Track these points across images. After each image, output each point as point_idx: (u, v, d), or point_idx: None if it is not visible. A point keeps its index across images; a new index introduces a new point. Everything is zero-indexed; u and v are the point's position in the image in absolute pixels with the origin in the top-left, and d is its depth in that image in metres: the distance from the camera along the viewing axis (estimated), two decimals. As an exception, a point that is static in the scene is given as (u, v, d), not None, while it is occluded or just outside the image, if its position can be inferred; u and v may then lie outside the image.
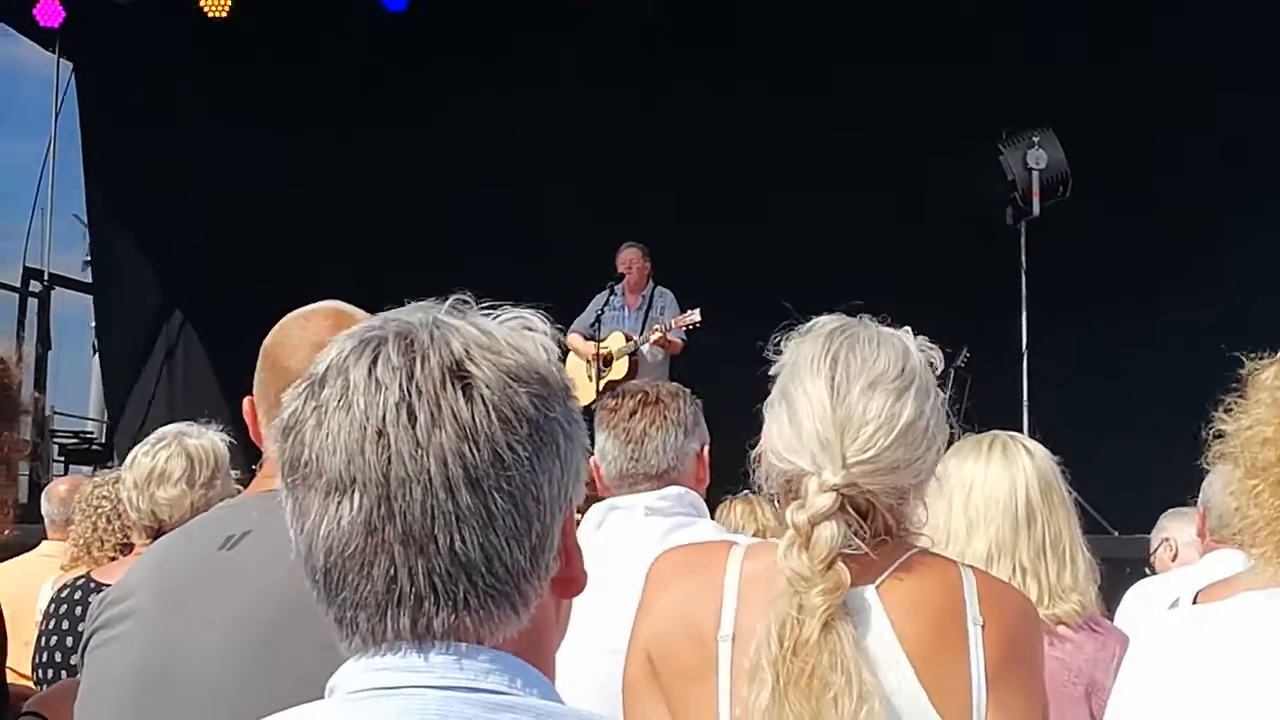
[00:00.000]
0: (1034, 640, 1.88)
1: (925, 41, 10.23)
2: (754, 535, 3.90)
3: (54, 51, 11.09)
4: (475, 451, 1.05)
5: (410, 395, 1.05)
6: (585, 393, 8.26)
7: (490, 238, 10.51)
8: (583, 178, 10.57)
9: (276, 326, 2.01)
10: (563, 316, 6.62)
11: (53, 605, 3.56)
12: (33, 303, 10.82)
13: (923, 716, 1.75)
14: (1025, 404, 8.87)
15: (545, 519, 1.09)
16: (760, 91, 10.58)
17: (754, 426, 1.93)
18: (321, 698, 1.09)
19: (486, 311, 1.14)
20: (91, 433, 12.03)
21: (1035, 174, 9.19)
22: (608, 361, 8.99)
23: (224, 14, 10.66)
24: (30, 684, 3.43)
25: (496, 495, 1.06)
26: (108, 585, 2.26)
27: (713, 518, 3.67)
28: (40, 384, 10.01)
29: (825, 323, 1.91)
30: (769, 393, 1.90)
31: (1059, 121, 9.36)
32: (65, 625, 3.47)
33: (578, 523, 1.41)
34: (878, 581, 1.79)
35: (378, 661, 1.07)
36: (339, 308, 2.00)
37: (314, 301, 2.04)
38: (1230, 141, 9.67)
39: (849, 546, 1.75)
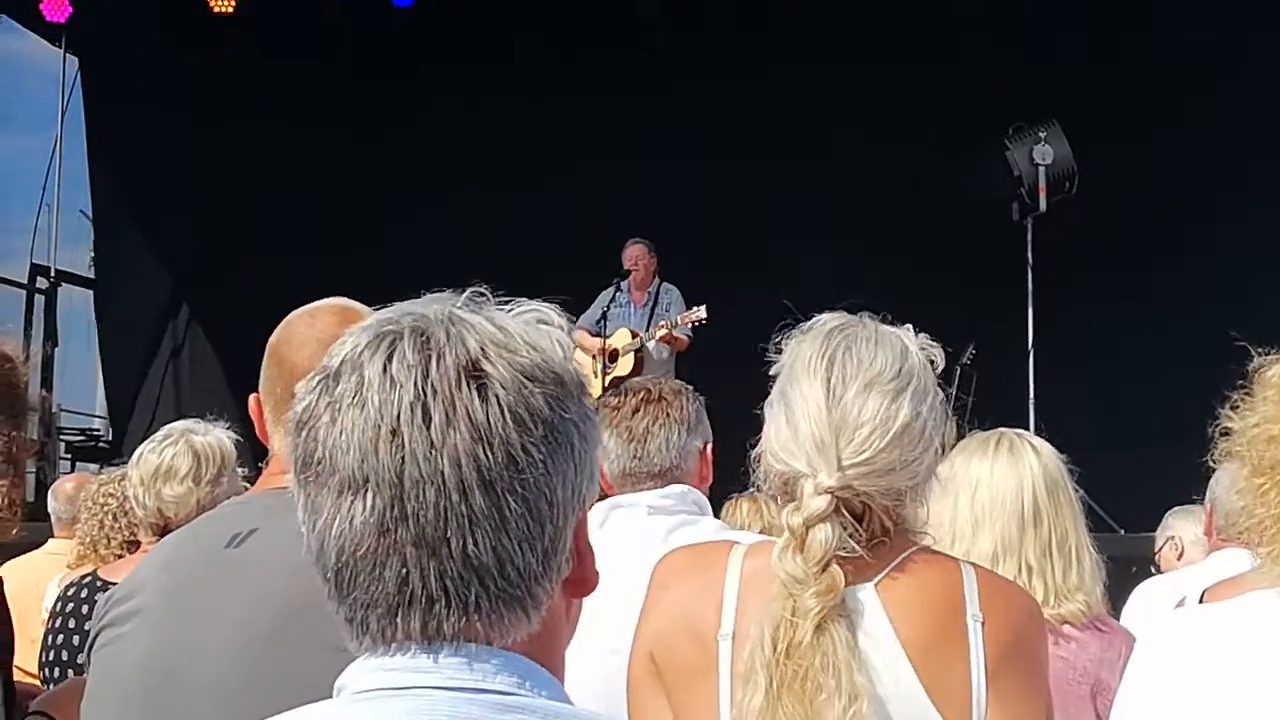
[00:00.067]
0: (1036, 637, 1.87)
1: (931, 38, 10.22)
2: (760, 533, 3.89)
3: (60, 47, 11.09)
4: (489, 453, 1.05)
5: (425, 394, 1.05)
6: (591, 389, 8.25)
7: (491, 238, 10.50)
8: (585, 175, 10.57)
9: (283, 323, 2.01)
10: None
11: (59, 604, 3.57)
12: (39, 300, 10.81)
13: (922, 714, 1.75)
14: (1031, 401, 8.87)
15: (558, 521, 1.08)
16: (765, 90, 10.56)
17: (759, 423, 1.93)
18: (327, 697, 1.09)
19: (502, 304, 1.13)
20: (98, 430, 12.04)
21: (1042, 170, 9.17)
22: (613, 358, 8.99)
23: (230, 10, 10.68)
24: (37, 682, 3.44)
25: (510, 498, 1.05)
26: (114, 583, 2.27)
27: (718, 515, 3.66)
28: (47, 382, 10.01)
29: (824, 322, 1.90)
30: (771, 391, 1.90)
31: (1065, 117, 9.34)
32: (72, 624, 3.47)
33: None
34: (876, 580, 1.79)
35: (386, 662, 1.06)
36: (345, 304, 2.00)
37: (320, 299, 2.04)
38: (1239, 138, 9.64)
39: (844, 549, 1.75)
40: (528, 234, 10.60)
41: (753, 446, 1.92)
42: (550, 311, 1.14)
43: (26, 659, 3.41)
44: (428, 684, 1.05)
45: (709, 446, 2.87)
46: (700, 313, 8.66)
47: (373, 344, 1.08)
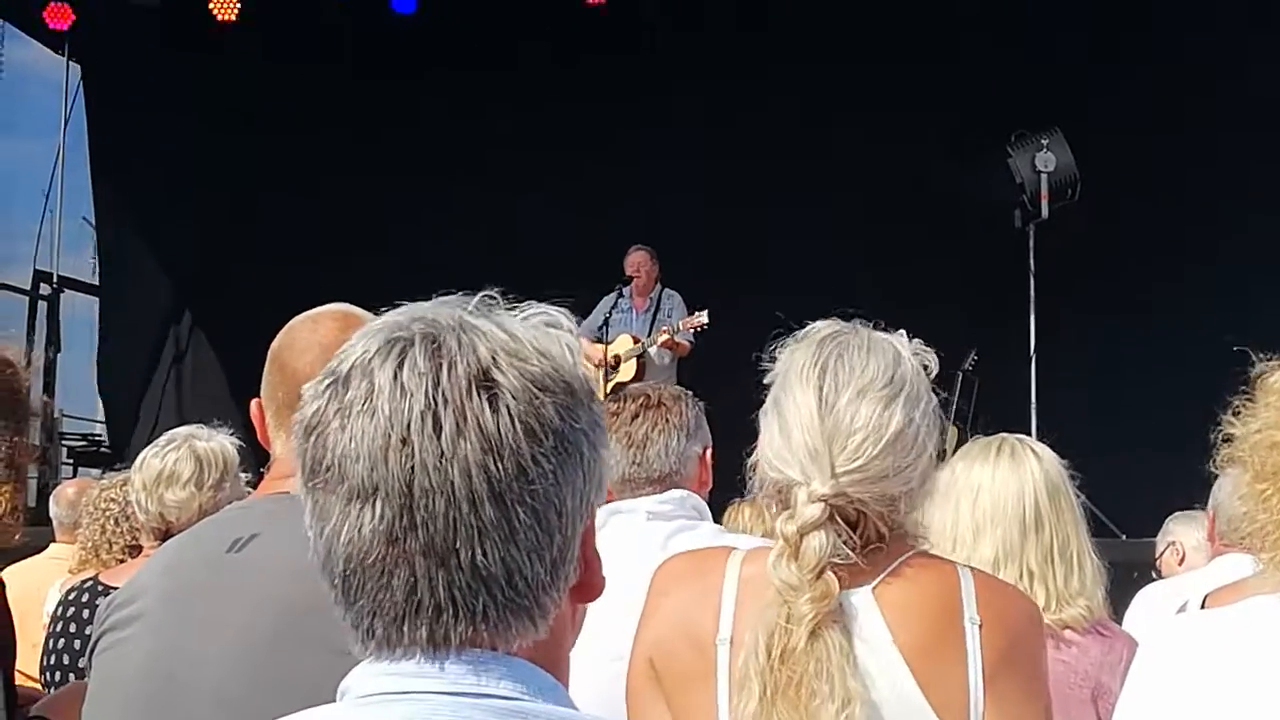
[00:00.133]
0: (1034, 641, 1.87)
1: (931, 39, 10.22)
2: (762, 537, 3.89)
3: (63, 54, 11.11)
4: (499, 464, 1.04)
5: (436, 403, 1.04)
6: (594, 396, 8.25)
7: (493, 241, 10.51)
8: (585, 176, 10.57)
9: (285, 329, 2.01)
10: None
11: (61, 608, 3.57)
12: (42, 306, 10.83)
13: (919, 718, 1.74)
14: (1033, 406, 8.86)
15: (567, 530, 1.08)
16: (765, 90, 10.56)
17: (758, 429, 1.93)
18: (328, 701, 1.09)
19: (512, 307, 1.12)
20: (100, 435, 12.04)
21: (1044, 177, 9.17)
22: (615, 364, 8.99)
23: (233, 17, 10.69)
24: (38, 687, 3.44)
25: (519, 509, 1.05)
26: (116, 588, 2.27)
27: (720, 521, 3.66)
28: (49, 387, 10.02)
29: (818, 329, 1.90)
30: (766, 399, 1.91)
31: (1065, 117, 9.34)
32: (73, 628, 3.47)
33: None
34: (873, 584, 1.79)
35: (391, 666, 1.06)
36: (347, 310, 2.00)
37: (323, 304, 2.04)
38: (1239, 142, 9.64)
39: (838, 556, 1.75)
40: (529, 236, 10.61)
41: (749, 454, 1.93)
42: (559, 315, 1.13)
43: (28, 663, 3.41)
44: (431, 689, 1.04)
45: (708, 451, 2.87)
46: (702, 318, 8.66)
47: (383, 350, 1.07)
